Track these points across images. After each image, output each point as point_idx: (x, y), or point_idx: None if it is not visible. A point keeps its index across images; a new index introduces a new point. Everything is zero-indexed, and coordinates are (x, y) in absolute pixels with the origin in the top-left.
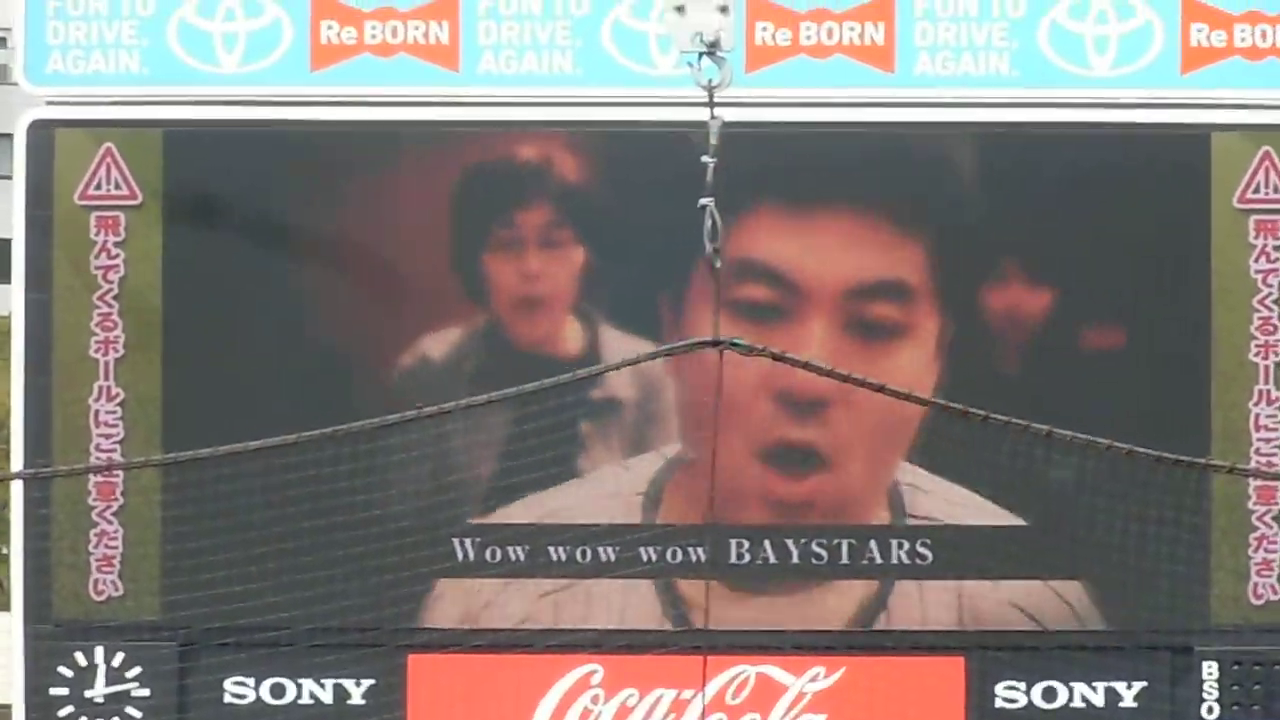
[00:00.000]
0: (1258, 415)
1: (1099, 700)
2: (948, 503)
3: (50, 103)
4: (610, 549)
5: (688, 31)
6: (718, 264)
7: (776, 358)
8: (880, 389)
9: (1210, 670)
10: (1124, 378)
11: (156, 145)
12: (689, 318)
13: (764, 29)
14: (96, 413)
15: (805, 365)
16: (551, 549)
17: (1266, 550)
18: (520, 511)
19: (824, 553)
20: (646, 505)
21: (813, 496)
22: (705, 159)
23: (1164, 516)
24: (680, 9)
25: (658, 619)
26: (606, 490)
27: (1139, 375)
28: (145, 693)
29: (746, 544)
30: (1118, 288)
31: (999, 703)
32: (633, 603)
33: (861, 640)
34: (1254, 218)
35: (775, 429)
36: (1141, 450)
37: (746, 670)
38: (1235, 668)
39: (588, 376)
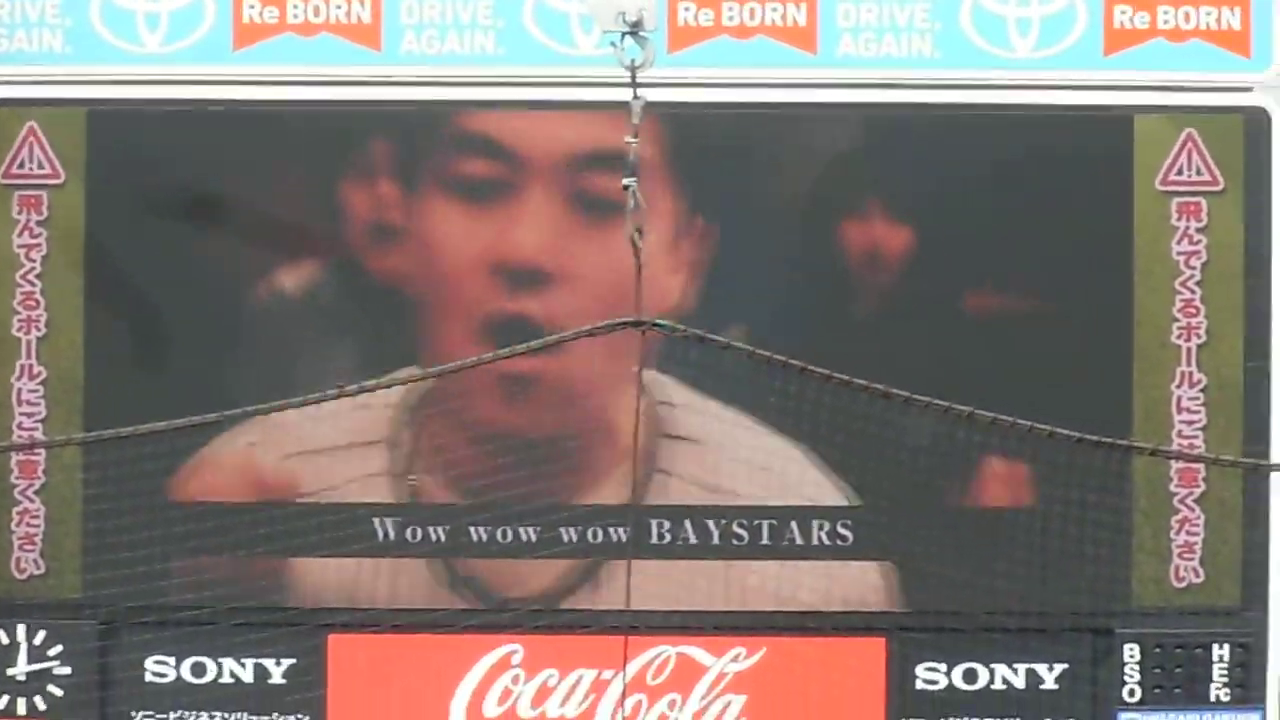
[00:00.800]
0: (1179, 397)
1: (1020, 682)
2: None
3: None
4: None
5: (610, 11)
6: (639, 243)
7: (700, 339)
8: (799, 368)
9: (1132, 652)
10: (1046, 357)
11: (80, 124)
12: None
13: (686, 9)
14: (19, 391)
15: (728, 346)
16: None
17: (1188, 533)
18: None
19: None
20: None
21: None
22: (628, 139)
23: (1086, 500)
24: None
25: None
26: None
27: (1061, 356)
28: (67, 670)
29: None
30: (1040, 269)
31: (919, 684)
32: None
33: (783, 621)
34: (1176, 200)
35: (494, 300)
36: (1062, 431)
37: (667, 650)
38: (1157, 650)
39: (510, 355)
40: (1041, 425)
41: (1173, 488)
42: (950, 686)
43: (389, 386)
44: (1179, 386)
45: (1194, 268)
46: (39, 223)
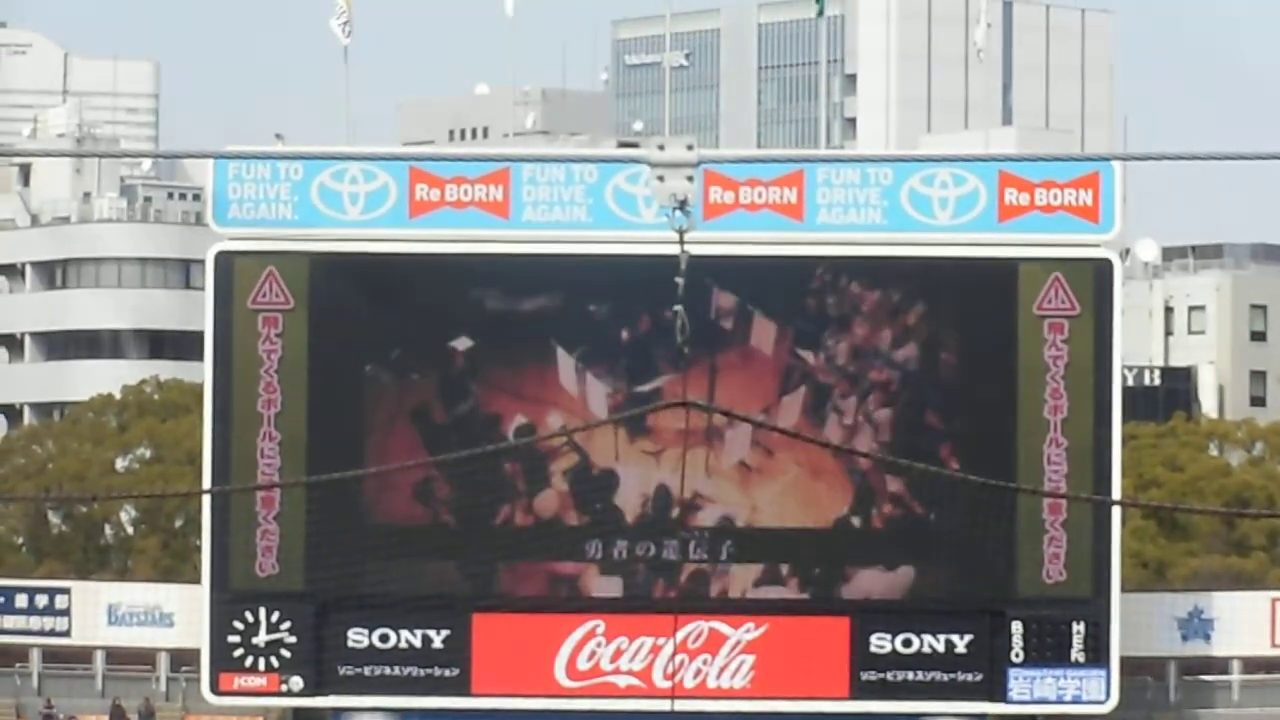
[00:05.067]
0: (1049, 455)
1: (940, 647)
2: None
3: (231, 239)
4: None
5: (665, 192)
6: (685, 350)
7: (733, 416)
8: (835, 448)
9: (1018, 627)
10: (957, 429)
11: (304, 267)
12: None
13: (715, 191)
14: (262, 449)
15: (760, 425)
16: None
17: (1055, 547)
18: None
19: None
20: None
21: None
22: (677, 279)
23: (987, 524)
24: (661, 178)
25: None
26: None
27: (967, 427)
28: (293, 639)
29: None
30: (955, 365)
31: (873, 649)
32: None
33: (779, 605)
34: (1047, 321)
35: None
36: (972, 478)
37: (702, 625)
38: (1035, 626)
39: (575, 431)
40: (957, 474)
41: (1044, 515)
42: (894, 651)
43: (494, 452)
44: (1049, 447)
45: (1059, 366)
46: (276, 335)
